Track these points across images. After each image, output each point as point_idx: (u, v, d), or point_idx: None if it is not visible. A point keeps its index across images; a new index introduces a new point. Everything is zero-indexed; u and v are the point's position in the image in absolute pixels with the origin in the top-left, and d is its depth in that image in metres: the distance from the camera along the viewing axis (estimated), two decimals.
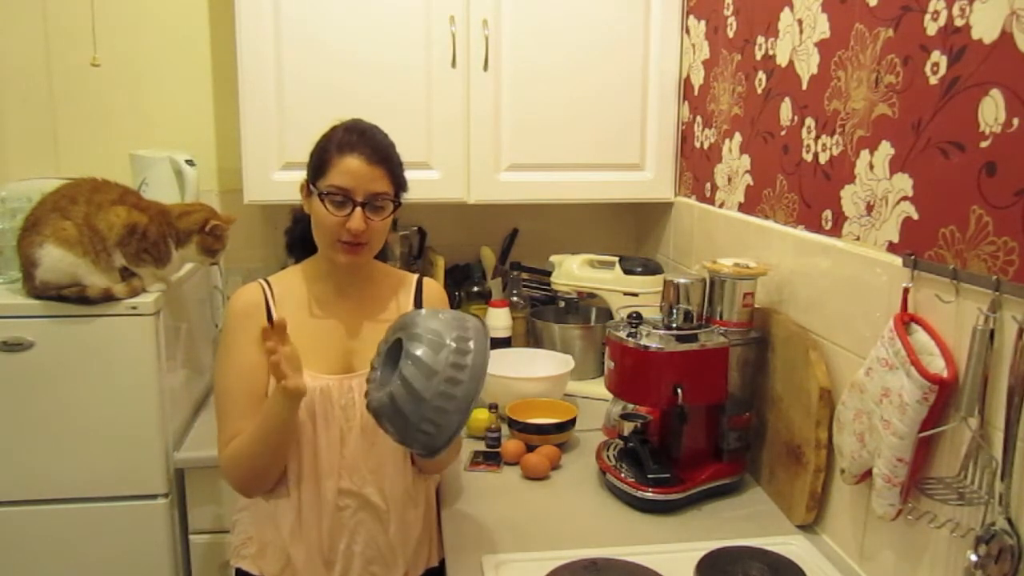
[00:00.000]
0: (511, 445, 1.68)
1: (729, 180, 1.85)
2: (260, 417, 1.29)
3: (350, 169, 1.30)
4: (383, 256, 1.53)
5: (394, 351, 1.20)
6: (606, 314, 2.12)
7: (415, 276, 1.51)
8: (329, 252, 1.36)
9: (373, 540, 1.38)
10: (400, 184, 1.38)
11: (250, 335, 1.34)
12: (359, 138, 1.33)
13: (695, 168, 2.08)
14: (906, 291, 1.14)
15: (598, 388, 1.94)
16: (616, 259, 2.04)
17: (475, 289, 2.28)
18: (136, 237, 1.65)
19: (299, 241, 1.47)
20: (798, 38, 1.50)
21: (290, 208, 1.49)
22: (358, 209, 1.30)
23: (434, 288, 1.50)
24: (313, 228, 1.37)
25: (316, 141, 1.38)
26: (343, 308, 1.41)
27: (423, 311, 1.22)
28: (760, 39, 1.66)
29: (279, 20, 1.93)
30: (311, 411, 1.33)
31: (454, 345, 1.14)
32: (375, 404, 1.18)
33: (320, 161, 1.34)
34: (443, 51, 2.00)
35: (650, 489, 1.47)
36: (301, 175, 1.40)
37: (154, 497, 1.74)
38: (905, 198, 1.17)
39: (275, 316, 1.34)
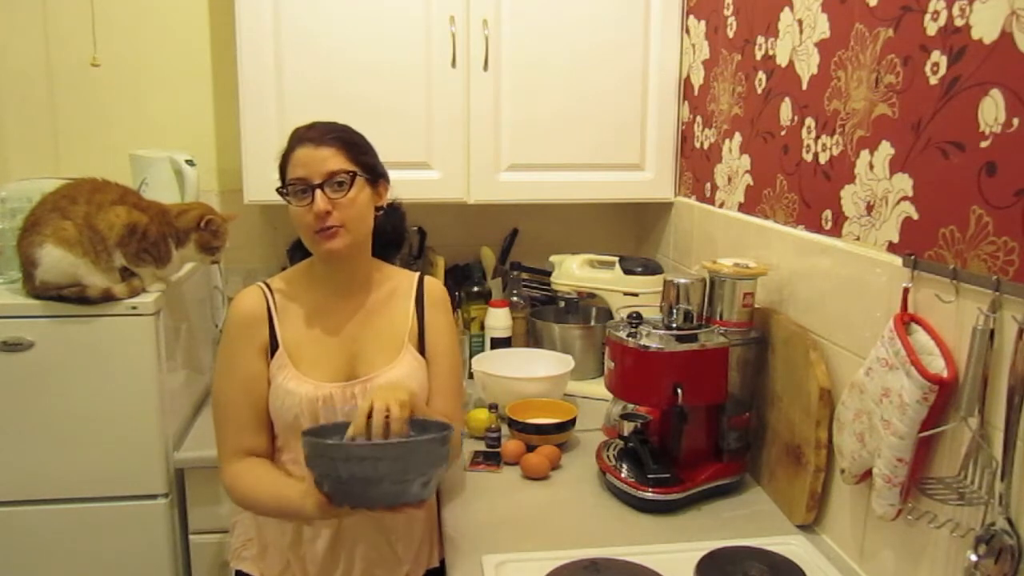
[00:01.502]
0: (511, 445, 1.68)
1: (729, 180, 1.85)
2: (280, 499, 1.26)
3: (300, 159, 1.31)
4: (390, 258, 1.52)
5: None
6: (606, 314, 2.12)
7: (416, 275, 1.49)
8: (313, 248, 1.35)
9: (375, 542, 1.38)
10: (362, 161, 1.34)
11: (251, 346, 1.34)
12: (306, 131, 1.34)
13: (695, 168, 2.08)
14: (906, 291, 1.14)
15: (598, 388, 1.94)
16: (616, 259, 2.03)
17: (475, 289, 2.28)
18: (136, 237, 1.65)
19: (300, 250, 1.47)
20: (798, 38, 1.50)
21: None
22: (318, 191, 1.29)
23: (435, 287, 1.49)
24: (299, 234, 1.37)
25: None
26: (345, 313, 1.40)
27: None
28: (760, 39, 1.66)
29: (279, 20, 1.93)
30: (315, 418, 1.33)
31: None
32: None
33: (280, 166, 1.36)
34: (443, 51, 2.00)
35: (650, 489, 1.47)
36: None
37: (154, 497, 1.74)
38: (905, 198, 1.17)
39: (278, 332, 1.34)
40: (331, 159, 1.30)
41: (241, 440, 1.33)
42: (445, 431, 1.18)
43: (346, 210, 1.31)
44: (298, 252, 1.48)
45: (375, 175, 1.38)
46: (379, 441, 1.16)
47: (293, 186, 1.31)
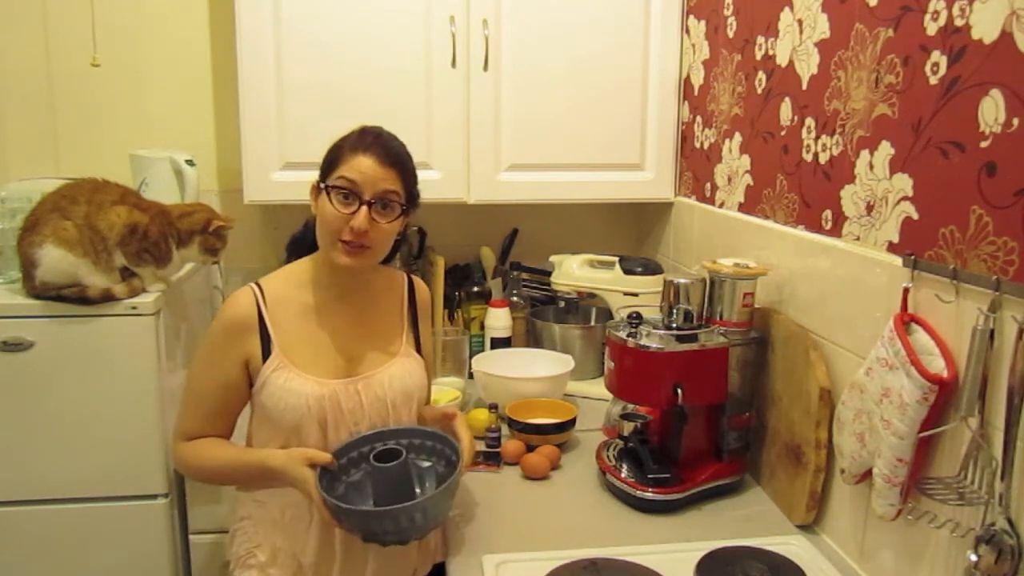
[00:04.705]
0: (511, 445, 1.68)
1: (729, 180, 1.85)
2: (254, 465, 1.31)
3: (361, 166, 1.28)
4: (390, 259, 1.52)
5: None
6: (606, 314, 2.12)
7: (404, 276, 1.51)
8: (330, 252, 1.32)
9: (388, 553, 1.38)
10: (411, 193, 1.35)
11: (235, 353, 1.32)
12: (374, 140, 1.32)
13: (695, 168, 2.08)
14: (906, 291, 1.14)
15: (598, 388, 1.94)
16: (616, 259, 2.04)
17: (475, 289, 2.28)
18: (137, 237, 1.65)
19: (301, 246, 1.45)
20: (798, 38, 1.50)
21: (304, 216, 1.45)
22: (363, 207, 1.27)
23: (423, 289, 1.53)
24: (317, 228, 1.34)
25: (330, 144, 1.36)
26: (340, 312, 1.40)
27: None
28: (760, 39, 1.66)
29: (279, 20, 1.93)
30: (321, 418, 1.32)
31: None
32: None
33: (332, 158, 1.32)
34: (443, 51, 2.00)
35: (650, 489, 1.47)
36: (301, 175, 1.39)
37: (154, 497, 1.74)
38: (905, 198, 1.17)
39: (271, 334, 1.34)
40: (388, 181, 1.29)
41: (202, 428, 1.36)
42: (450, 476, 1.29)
43: (378, 233, 1.30)
44: (294, 251, 1.47)
45: (413, 206, 1.38)
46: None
47: (340, 188, 1.28)
